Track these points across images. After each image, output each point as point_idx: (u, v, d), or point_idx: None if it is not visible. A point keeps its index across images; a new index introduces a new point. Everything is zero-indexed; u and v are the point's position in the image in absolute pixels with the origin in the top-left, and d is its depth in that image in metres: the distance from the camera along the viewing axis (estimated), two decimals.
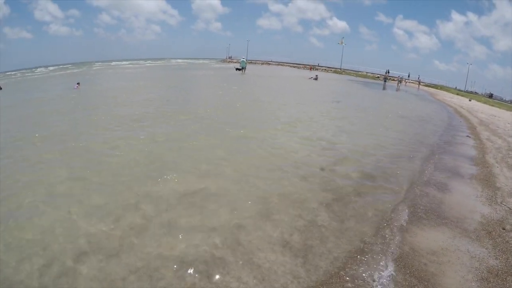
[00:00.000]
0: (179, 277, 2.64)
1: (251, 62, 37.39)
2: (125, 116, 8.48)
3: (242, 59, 32.01)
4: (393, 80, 35.67)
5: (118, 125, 7.51)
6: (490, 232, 3.64)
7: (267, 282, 2.64)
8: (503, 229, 3.72)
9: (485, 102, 26.02)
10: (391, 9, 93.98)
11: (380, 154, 6.42)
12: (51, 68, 46.21)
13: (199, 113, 9.27)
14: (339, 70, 50.33)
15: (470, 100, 25.54)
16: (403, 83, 35.89)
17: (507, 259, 3.12)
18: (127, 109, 9.67)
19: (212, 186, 4.29)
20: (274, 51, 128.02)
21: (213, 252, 2.96)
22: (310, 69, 46.40)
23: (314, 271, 2.80)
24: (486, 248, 3.30)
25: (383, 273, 2.80)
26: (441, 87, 39.66)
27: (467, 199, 4.59)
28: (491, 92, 40.05)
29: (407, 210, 4.05)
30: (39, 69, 43.78)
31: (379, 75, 42.77)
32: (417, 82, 38.96)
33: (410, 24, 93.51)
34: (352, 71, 49.24)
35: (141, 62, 57.40)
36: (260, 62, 54.31)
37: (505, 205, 4.37)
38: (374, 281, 2.70)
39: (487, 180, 5.42)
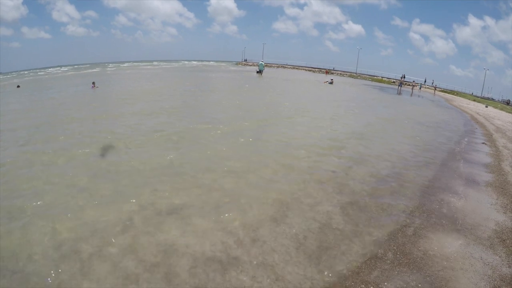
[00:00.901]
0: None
1: (266, 65, 37.39)
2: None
3: (260, 62, 31.70)
4: (408, 85, 35.17)
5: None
6: (504, 240, 3.63)
7: (281, 282, 2.74)
8: None
9: (501, 109, 25.35)
10: (407, 13, 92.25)
11: (395, 160, 6.42)
12: (64, 68, 47.76)
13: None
14: (354, 74, 49.85)
15: (486, 107, 24.90)
16: (417, 88, 35.26)
17: None
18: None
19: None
20: (290, 55, 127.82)
21: (228, 252, 3.09)
22: (326, 73, 45.48)
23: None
24: (500, 256, 3.30)
25: (396, 278, 2.85)
26: (457, 93, 38.81)
27: (481, 207, 4.56)
28: (509, 99, 38.88)
29: (421, 216, 4.07)
30: (51, 69, 45.07)
31: (394, 80, 42.14)
32: (433, 88, 38.28)
33: (426, 28, 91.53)
34: (367, 76, 48.66)
35: (155, 63, 58.57)
36: (276, 65, 54.33)
37: None
38: (387, 285, 2.75)
39: (502, 188, 5.36)
